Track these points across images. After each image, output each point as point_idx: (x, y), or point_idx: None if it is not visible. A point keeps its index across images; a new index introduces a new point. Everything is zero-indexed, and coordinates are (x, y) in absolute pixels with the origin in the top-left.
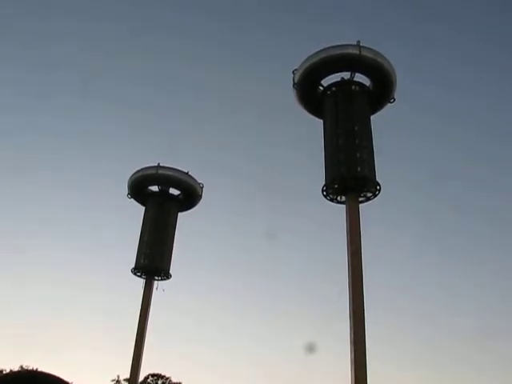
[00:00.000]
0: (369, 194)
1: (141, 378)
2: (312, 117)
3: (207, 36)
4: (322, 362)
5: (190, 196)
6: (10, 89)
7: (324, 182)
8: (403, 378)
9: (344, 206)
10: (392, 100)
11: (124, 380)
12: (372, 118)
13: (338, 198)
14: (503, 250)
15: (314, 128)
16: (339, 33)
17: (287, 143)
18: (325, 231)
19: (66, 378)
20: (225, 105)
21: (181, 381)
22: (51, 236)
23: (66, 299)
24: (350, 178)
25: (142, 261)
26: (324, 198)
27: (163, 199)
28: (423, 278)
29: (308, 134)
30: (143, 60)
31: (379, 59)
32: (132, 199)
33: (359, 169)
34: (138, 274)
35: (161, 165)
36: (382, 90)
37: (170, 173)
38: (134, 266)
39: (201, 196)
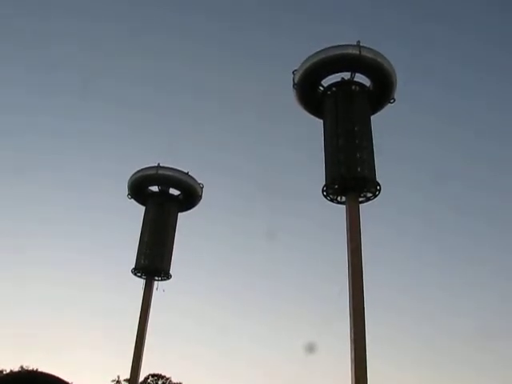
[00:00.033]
0: (369, 195)
1: (141, 379)
2: (312, 117)
3: (207, 36)
4: (322, 361)
5: (190, 196)
6: (9, 89)
7: (324, 182)
8: (403, 378)
9: (344, 206)
10: (392, 100)
11: (124, 380)
12: (372, 118)
13: (338, 198)
14: (503, 250)
15: (314, 128)
16: (339, 33)
17: (287, 143)
18: (325, 231)
19: (66, 379)
20: (225, 105)
21: (181, 381)
22: (51, 236)
23: (66, 299)
24: (350, 178)
25: (142, 261)
26: (324, 198)
27: (163, 199)
28: (423, 278)
29: (308, 134)
30: (143, 60)
31: (379, 59)
32: (132, 199)
33: (359, 169)
34: (138, 274)
35: (161, 165)
36: (382, 90)
37: (170, 173)
38: (134, 266)
39: (201, 196)
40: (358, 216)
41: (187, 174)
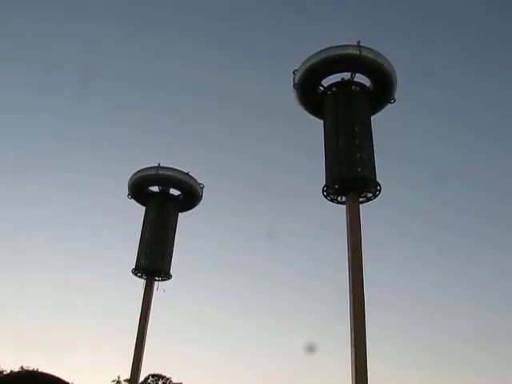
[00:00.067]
0: (369, 195)
1: (141, 379)
2: (312, 117)
3: (207, 36)
4: (322, 362)
5: (191, 196)
6: (9, 89)
7: (324, 183)
8: (403, 378)
9: (344, 206)
10: (392, 101)
11: (124, 381)
12: (372, 118)
13: (339, 199)
14: (503, 250)
15: (314, 128)
16: (339, 33)
17: (287, 143)
18: (325, 231)
19: (66, 379)
20: (225, 105)
21: (181, 381)
22: (51, 237)
23: (66, 300)
24: (350, 178)
25: (143, 261)
26: (324, 199)
27: (163, 200)
28: (423, 277)
29: (308, 134)
30: (143, 60)
31: (379, 59)
32: (132, 200)
33: (359, 169)
34: (139, 274)
35: (161, 165)
36: (382, 90)
37: (170, 173)
38: (134, 266)
39: (201, 196)
40: (359, 216)
41: (187, 174)
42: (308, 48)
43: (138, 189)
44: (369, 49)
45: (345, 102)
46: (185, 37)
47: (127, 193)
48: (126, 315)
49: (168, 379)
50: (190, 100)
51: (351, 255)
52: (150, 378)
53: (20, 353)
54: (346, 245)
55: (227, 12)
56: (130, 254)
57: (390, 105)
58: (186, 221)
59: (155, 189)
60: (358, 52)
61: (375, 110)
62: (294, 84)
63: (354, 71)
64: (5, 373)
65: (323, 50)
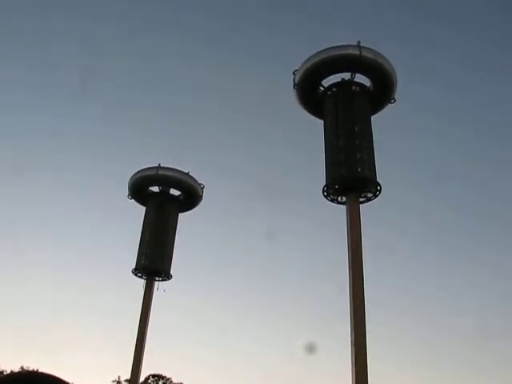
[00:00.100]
0: (369, 195)
1: (141, 379)
2: (312, 117)
3: (207, 36)
4: (322, 362)
5: (191, 197)
6: (9, 89)
7: (324, 183)
8: (403, 378)
9: (344, 206)
10: (392, 101)
11: (125, 381)
12: (372, 118)
13: (339, 199)
14: (503, 250)
15: (314, 128)
16: (339, 33)
17: (287, 144)
18: (325, 231)
19: (66, 379)
20: (225, 105)
21: (181, 381)
22: (51, 237)
23: (66, 300)
24: (350, 178)
25: (143, 261)
26: (324, 199)
27: (164, 200)
28: (423, 278)
29: (308, 134)
30: (143, 60)
31: (379, 60)
32: (132, 200)
33: (359, 169)
34: (139, 274)
35: (161, 165)
36: (382, 90)
37: (170, 173)
38: (134, 266)
39: (201, 197)
40: (359, 216)
41: (188, 174)
42: (308, 48)
43: (138, 189)
44: (369, 49)
45: (345, 102)
46: (185, 37)
47: (127, 193)
48: (126, 315)
49: (168, 379)
50: (190, 100)
51: (351, 255)
52: (151, 378)
53: (20, 353)
54: (346, 245)
55: (227, 12)
56: (130, 254)
57: (390, 105)
58: (186, 221)
59: (155, 189)
60: (358, 52)
61: (375, 110)
62: (294, 84)
63: (354, 71)
64: (5, 373)
65: (323, 50)
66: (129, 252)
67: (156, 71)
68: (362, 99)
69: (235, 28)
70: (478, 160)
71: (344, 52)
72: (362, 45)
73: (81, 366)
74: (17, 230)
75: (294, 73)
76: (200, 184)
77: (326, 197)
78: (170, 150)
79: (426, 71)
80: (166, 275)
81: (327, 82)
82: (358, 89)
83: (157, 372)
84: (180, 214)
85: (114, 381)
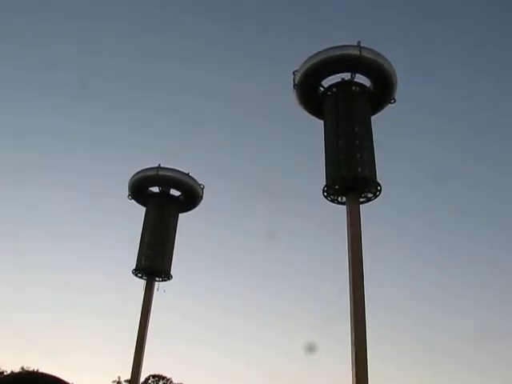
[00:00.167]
0: (369, 195)
1: (142, 379)
2: (312, 117)
3: (207, 36)
4: (322, 362)
5: (191, 197)
6: (9, 89)
7: (324, 183)
8: (403, 378)
9: (344, 206)
10: (393, 101)
11: (125, 381)
12: (372, 118)
13: (339, 199)
14: (503, 250)
15: (314, 129)
16: (339, 33)
17: (288, 144)
18: (325, 232)
19: (66, 379)
20: (225, 105)
21: (182, 381)
22: (51, 238)
23: (66, 301)
24: (350, 178)
25: (143, 262)
26: (324, 199)
27: (164, 200)
28: (423, 277)
29: (308, 134)
30: (143, 60)
31: (380, 60)
32: (133, 200)
33: (360, 169)
34: (139, 275)
35: (161, 166)
36: (382, 90)
37: (170, 174)
38: (134, 267)
39: (201, 197)
40: (359, 216)
41: (188, 174)
42: (308, 48)
43: (139, 189)
44: (369, 49)
45: (345, 103)
46: (185, 37)
47: (127, 193)
48: (127, 316)
49: (169, 380)
50: (190, 100)
51: (351, 255)
52: (151, 379)
53: (20, 353)
54: (346, 245)
55: (227, 12)
56: (130, 255)
57: (390, 105)
58: (186, 221)
59: (155, 189)
60: (358, 52)
61: (375, 111)
62: (294, 84)
63: (354, 71)
64: (5, 373)
65: (323, 51)
66: (129, 252)
67: (156, 71)
68: (362, 99)
69: (235, 28)
70: (478, 160)
71: (344, 52)
72: (362, 45)
73: (81, 366)
74: (17, 230)
75: (294, 73)
76: (200, 184)
77: (326, 197)
78: (170, 151)
79: (426, 71)
80: (166, 275)
81: (327, 82)
82: (358, 89)
83: (157, 372)
84: (180, 215)
85: (114, 381)
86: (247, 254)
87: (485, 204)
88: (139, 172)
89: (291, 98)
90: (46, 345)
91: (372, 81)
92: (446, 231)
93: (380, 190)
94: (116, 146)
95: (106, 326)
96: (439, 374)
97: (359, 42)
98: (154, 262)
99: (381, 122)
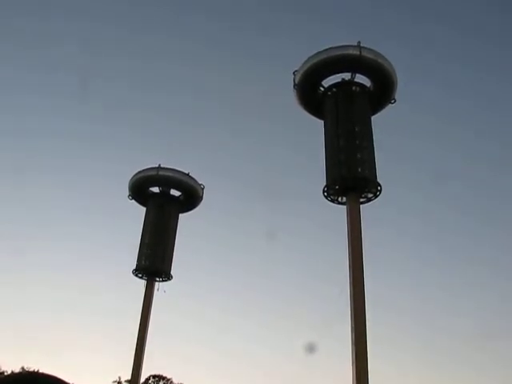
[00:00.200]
0: (369, 195)
1: (142, 379)
2: (313, 117)
3: (207, 36)
4: (322, 362)
5: (191, 197)
6: (9, 89)
7: (325, 183)
8: (403, 378)
9: (345, 206)
10: (393, 101)
11: (125, 381)
12: (372, 118)
13: (339, 199)
14: (503, 250)
15: (314, 129)
16: (339, 33)
17: (288, 144)
18: (325, 232)
19: (67, 380)
20: (225, 105)
21: (182, 382)
22: (51, 238)
23: (66, 301)
24: (350, 178)
25: (143, 262)
26: (325, 199)
27: (164, 200)
28: (423, 278)
29: (308, 134)
30: (143, 60)
31: (380, 60)
32: (133, 200)
33: (360, 169)
34: (139, 275)
35: (161, 166)
36: (382, 90)
37: (170, 174)
38: (135, 267)
39: (202, 197)
40: (359, 216)
41: (188, 174)
42: (308, 48)
43: (139, 189)
44: (369, 49)
45: (345, 103)
46: (185, 37)
47: (128, 193)
48: (127, 316)
49: (169, 380)
50: (190, 100)
51: (351, 255)
52: (151, 379)
53: (20, 353)
54: (347, 245)
55: (227, 12)
56: (130, 255)
57: (390, 105)
58: (186, 221)
59: (156, 189)
60: (358, 52)
61: (375, 111)
62: (295, 84)
63: (354, 72)
64: (6, 373)
65: (324, 51)
66: (129, 253)
67: (156, 71)
68: (363, 99)
69: (235, 28)
70: (478, 160)
71: (344, 52)
72: (362, 45)
73: (81, 366)
74: (17, 230)
75: (294, 73)
76: (200, 184)
77: (326, 197)
78: (170, 151)
79: (426, 71)
80: (167, 276)
81: (327, 82)
82: (358, 89)
83: (157, 373)
84: (180, 215)
85: (114, 381)
86: (247, 254)
87: (485, 204)
88: (139, 172)
89: (291, 98)
90: (46, 345)
91: (372, 81)
92: (446, 231)
93: (380, 190)
94: (116, 146)
95: (107, 327)
96: (439, 374)
97: (359, 42)
98: (154, 262)
99: (381, 122)
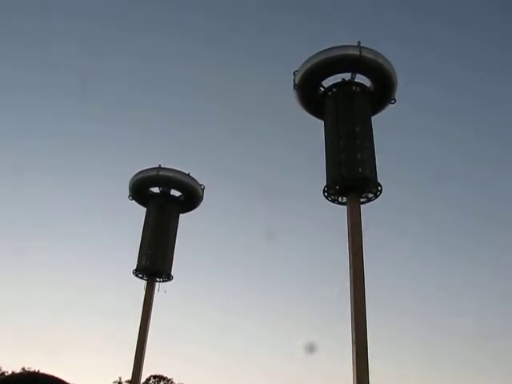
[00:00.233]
0: (370, 195)
1: (143, 380)
2: (313, 118)
3: (207, 36)
4: (322, 362)
5: (192, 197)
6: (9, 89)
7: (325, 183)
8: (403, 378)
9: (345, 206)
10: (393, 101)
11: (126, 382)
12: (373, 118)
13: (339, 199)
14: (503, 250)
15: (314, 129)
16: (339, 33)
17: (288, 144)
18: (326, 232)
19: (67, 380)
20: (225, 105)
21: (183, 382)
22: (51, 238)
23: (66, 301)
24: (350, 178)
25: (144, 262)
26: (325, 199)
27: (164, 201)
28: (423, 277)
29: (308, 134)
30: (143, 60)
31: (380, 60)
32: (133, 201)
33: (360, 169)
34: (140, 275)
35: (162, 166)
36: (382, 90)
37: (171, 174)
38: (135, 267)
39: (202, 197)
40: (359, 216)
41: (188, 175)
42: (308, 48)
43: (139, 190)
44: (369, 49)
45: (345, 103)
46: (185, 37)
47: (128, 194)
48: (127, 316)
49: (169, 380)
50: (190, 100)
51: (352, 256)
52: (152, 379)
53: (21, 353)
54: (347, 245)
55: (227, 12)
56: (130, 255)
57: (390, 105)
58: (186, 222)
59: (156, 190)
60: (358, 52)
61: (376, 111)
62: (295, 85)
63: (354, 72)
64: (6, 374)
65: (324, 51)
66: (129, 253)
67: (156, 71)
68: (363, 99)
69: (235, 28)
70: (478, 160)
71: (344, 52)
72: (362, 45)
73: (82, 366)
74: (17, 230)
75: (294, 73)
76: (201, 185)
77: (326, 197)
78: (171, 151)
79: (426, 71)
80: (167, 276)
81: (327, 82)
82: (358, 89)
83: (158, 373)
84: (181, 215)
85: (115, 382)
86: (247, 254)
87: (485, 204)
88: (140, 172)
89: (291, 98)
90: (46, 345)
91: (372, 81)
92: (446, 231)
93: (380, 190)
94: (116, 146)
95: (107, 327)
96: (439, 374)
97: (359, 42)
98: (154, 263)
99: (381, 122)
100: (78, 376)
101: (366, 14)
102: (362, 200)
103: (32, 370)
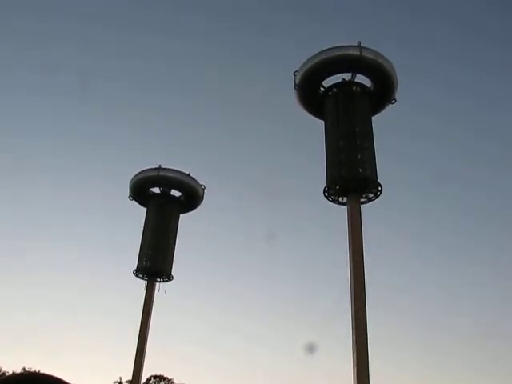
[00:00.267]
0: (370, 195)
1: (143, 380)
2: (313, 118)
3: (207, 36)
4: (322, 362)
5: (192, 198)
6: (10, 89)
7: (325, 183)
8: (403, 378)
9: (345, 206)
10: (393, 101)
11: (126, 382)
12: (373, 118)
13: (340, 199)
14: (503, 250)
15: (314, 129)
16: (339, 33)
17: (288, 144)
18: (326, 232)
19: (68, 380)
20: (225, 105)
21: (183, 382)
22: (51, 238)
23: (67, 301)
24: (351, 178)
25: (144, 263)
26: (325, 199)
27: (165, 201)
28: (423, 278)
29: (309, 134)
30: (143, 60)
31: (380, 60)
32: (133, 201)
33: (360, 170)
34: (140, 275)
35: (162, 166)
36: (382, 90)
37: (171, 174)
38: (135, 267)
39: (202, 198)
40: (360, 217)
41: (189, 175)
42: (308, 48)
43: (140, 190)
44: (369, 49)
45: (345, 103)
46: (185, 37)
47: (128, 194)
48: (128, 316)
49: (170, 380)
50: (190, 100)
51: (352, 256)
52: (152, 380)
53: (21, 354)
54: (347, 245)
55: (227, 12)
56: (131, 256)
57: (390, 105)
58: (187, 222)
59: (156, 190)
60: (358, 53)
61: (376, 111)
62: (295, 85)
63: (354, 72)
64: (7, 374)
65: (324, 51)
66: (130, 253)
67: (156, 71)
68: (363, 100)
69: (235, 28)
70: (478, 160)
71: (345, 52)
72: (362, 45)
73: (82, 366)
74: (17, 230)
75: (294, 73)
76: (201, 185)
77: (326, 197)
78: (171, 151)
79: (426, 71)
80: (167, 276)
81: (328, 82)
82: (358, 89)
83: (158, 373)
84: (181, 215)
85: (115, 382)
86: (247, 254)
87: (485, 204)
88: (140, 173)
89: (292, 98)
90: (46, 345)
91: (372, 81)
92: (446, 231)
93: (381, 191)
94: (116, 146)
95: (107, 327)
96: (439, 374)
97: (359, 42)
98: (155, 263)
99: (381, 123)
100: (78, 376)
101: (365, 14)
102: (362, 200)
103: (32, 370)
